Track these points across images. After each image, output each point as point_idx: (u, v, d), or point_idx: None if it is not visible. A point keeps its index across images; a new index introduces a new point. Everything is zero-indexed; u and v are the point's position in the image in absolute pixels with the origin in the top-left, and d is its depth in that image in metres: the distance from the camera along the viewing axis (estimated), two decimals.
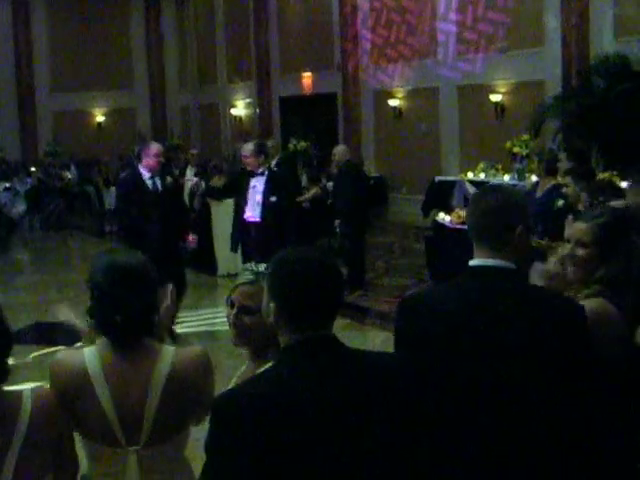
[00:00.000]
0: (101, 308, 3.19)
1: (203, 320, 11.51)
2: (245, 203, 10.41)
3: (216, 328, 10.68)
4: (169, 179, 10.29)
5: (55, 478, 3.06)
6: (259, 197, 10.32)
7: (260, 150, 10.41)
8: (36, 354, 9.79)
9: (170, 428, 3.23)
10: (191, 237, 10.55)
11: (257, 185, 10.34)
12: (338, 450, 2.53)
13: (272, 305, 2.67)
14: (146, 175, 9.94)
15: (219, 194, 13.41)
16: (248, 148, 10.41)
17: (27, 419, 2.90)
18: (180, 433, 3.29)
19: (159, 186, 9.99)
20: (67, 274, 16.10)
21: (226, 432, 2.50)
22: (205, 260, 14.43)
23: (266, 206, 10.27)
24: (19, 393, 2.98)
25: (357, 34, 21.10)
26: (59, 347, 10.31)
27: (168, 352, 3.26)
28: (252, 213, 10.41)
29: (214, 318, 11.27)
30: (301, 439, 2.49)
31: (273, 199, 10.25)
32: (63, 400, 3.13)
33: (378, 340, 10.07)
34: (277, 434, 2.46)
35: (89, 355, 3.20)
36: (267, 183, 10.33)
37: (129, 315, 3.16)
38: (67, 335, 3.77)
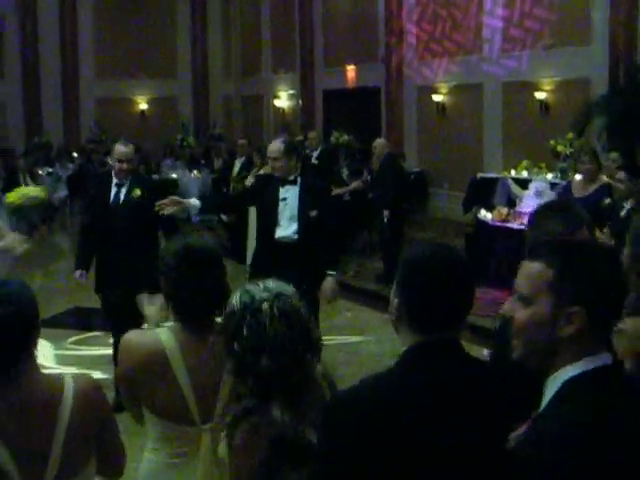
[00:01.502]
0: (181, 291, 3.30)
1: None
2: (274, 220, 7.53)
3: None
4: (137, 192, 7.70)
5: (99, 466, 3.09)
6: (294, 211, 7.55)
7: (291, 150, 7.60)
8: (74, 339, 9.85)
9: None
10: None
11: (289, 196, 7.54)
12: (450, 458, 2.40)
13: (396, 301, 2.54)
14: (114, 182, 7.91)
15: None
16: (276, 148, 7.49)
17: (69, 406, 2.92)
18: None
19: (121, 198, 7.82)
20: None
21: (340, 436, 2.41)
22: (236, 248, 14.40)
23: (304, 223, 7.50)
24: (60, 378, 3.01)
25: (402, 28, 21.00)
26: (95, 332, 10.42)
27: None
28: (285, 232, 7.54)
29: None
30: (414, 446, 2.38)
31: (313, 214, 7.54)
32: (138, 380, 3.24)
33: None
34: (390, 440, 2.36)
35: (165, 335, 3.30)
36: (302, 193, 7.58)
37: (209, 296, 3.26)
38: None
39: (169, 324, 3.42)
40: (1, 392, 2.88)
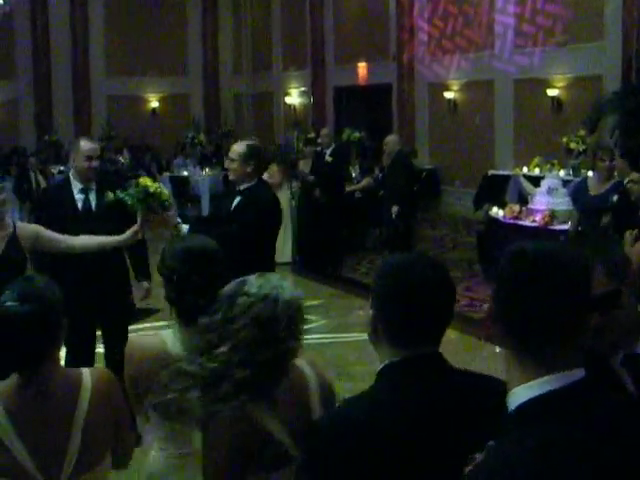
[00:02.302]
0: (182, 294, 3.28)
1: None
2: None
3: None
4: (110, 195, 6.46)
5: (113, 454, 3.13)
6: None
7: (252, 155, 6.62)
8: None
9: None
10: (141, 289, 7.12)
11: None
12: (438, 474, 2.31)
13: (372, 313, 2.45)
14: (77, 187, 6.77)
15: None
16: (237, 149, 6.70)
17: (88, 398, 2.95)
18: None
19: (93, 204, 6.75)
20: None
21: (325, 455, 2.32)
22: None
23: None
24: (78, 373, 3.04)
25: (414, 25, 20.97)
26: None
27: None
28: None
29: None
30: (401, 463, 2.30)
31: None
32: (144, 381, 3.24)
33: None
34: (376, 458, 2.28)
35: (170, 339, 3.30)
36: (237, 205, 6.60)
37: (210, 298, 3.13)
38: None
39: (174, 326, 3.38)
40: (21, 387, 2.91)
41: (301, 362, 2.95)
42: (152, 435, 3.40)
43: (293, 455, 2.77)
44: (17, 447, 2.86)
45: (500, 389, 2.20)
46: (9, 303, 2.85)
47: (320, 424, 2.51)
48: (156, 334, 3.39)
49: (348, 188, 14.73)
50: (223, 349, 2.79)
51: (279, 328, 2.80)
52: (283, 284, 2.93)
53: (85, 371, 3.05)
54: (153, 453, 3.39)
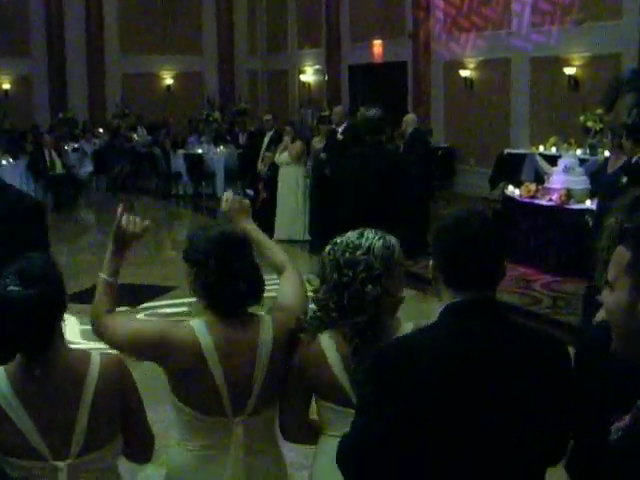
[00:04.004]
0: (221, 279, 3.21)
1: None
2: None
3: (273, 294, 10.56)
4: None
5: (127, 448, 3.11)
6: None
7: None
8: None
9: (272, 396, 3.32)
10: None
11: None
12: (486, 409, 2.56)
13: (432, 262, 2.72)
14: None
15: None
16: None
17: (95, 381, 2.93)
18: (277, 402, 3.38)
19: None
20: None
21: (389, 380, 2.55)
22: (264, 223, 14.38)
23: None
24: (87, 354, 3.02)
25: (429, 2, 20.82)
26: (121, 307, 10.39)
27: (267, 320, 3.31)
28: None
29: (272, 284, 11.15)
30: (455, 395, 2.53)
31: None
32: (172, 371, 3.21)
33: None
34: (436, 387, 2.52)
35: (199, 328, 3.23)
36: None
37: (247, 283, 3.23)
38: None
39: (204, 315, 3.32)
40: (29, 367, 2.89)
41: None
42: (177, 429, 3.36)
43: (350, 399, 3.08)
44: (26, 426, 2.86)
45: (556, 346, 2.74)
46: (11, 287, 2.79)
47: (385, 350, 2.68)
48: (185, 325, 3.29)
49: None
50: (320, 294, 3.18)
51: (356, 271, 3.06)
52: (369, 235, 3.15)
53: (94, 353, 3.02)
54: (176, 446, 3.35)
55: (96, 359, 2.98)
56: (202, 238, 3.29)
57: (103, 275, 3.48)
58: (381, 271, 3.09)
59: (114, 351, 3.29)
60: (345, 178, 8.92)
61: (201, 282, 3.25)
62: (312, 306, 3.30)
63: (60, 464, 2.90)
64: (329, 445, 3.25)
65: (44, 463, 2.90)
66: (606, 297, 2.19)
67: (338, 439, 3.15)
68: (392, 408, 2.54)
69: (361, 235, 3.18)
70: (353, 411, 3.00)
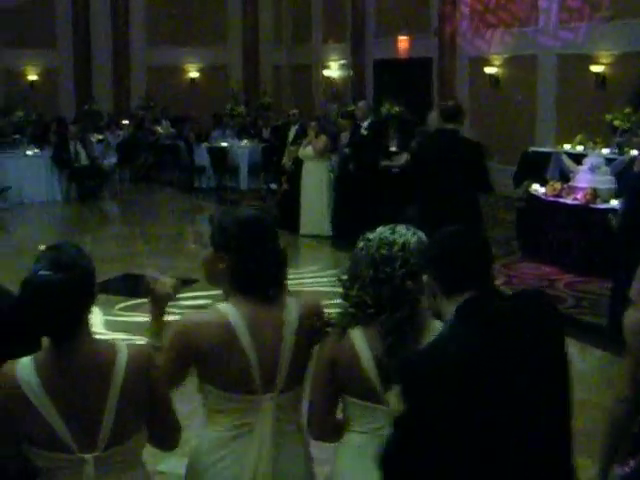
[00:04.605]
0: (246, 261, 3.24)
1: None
2: None
3: (300, 288, 10.54)
4: None
5: (153, 436, 3.11)
6: None
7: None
8: (123, 305, 9.87)
9: (300, 375, 3.36)
10: None
11: None
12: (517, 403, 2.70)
13: (426, 278, 2.90)
14: None
15: None
16: None
17: (122, 372, 2.92)
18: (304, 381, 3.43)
19: None
20: (154, 226, 16.30)
21: (426, 390, 2.66)
22: (289, 218, 14.40)
23: None
24: (114, 345, 3.02)
25: None
26: (144, 299, 10.43)
27: (292, 301, 3.34)
28: None
29: (297, 278, 11.14)
30: (488, 395, 2.66)
31: None
32: (204, 352, 3.21)
33: None
34: (473, 386, 2.64)
35: (228, 310, 3.25)
36: None
37: (273, 266, 3.27)
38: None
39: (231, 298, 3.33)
40: (56, 356, 2.90)
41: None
42: (203, 415, 3.37)
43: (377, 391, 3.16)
44: (52, 417, 2.86)
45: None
46: (42, 272, 2.82)
47: (412, 362, 2.78)
48: (213, 308, 3.31)
49: (386, 163, 14.63)
50: (354, 291, 3.20)
51: (394, 267, 3.12)
52: (402, 231, 3.22)
53: (121, 344, 3.03)
54: (206, 426, 3.35)
55: (123, 349, 2.97)
56: (231, 222, 3.31)
57: (149, 339, 3.44)
58: (418, 267, 3.09)
59: (141, 341, 3.29)
60: (426, 165, 9.40)
61: (231, 266, 3.27)
62: (341, 302, 3.31)
63: (87, 456, 2.90)
64: (352, 440, 3.32)
65: (70, 455, 2.90)
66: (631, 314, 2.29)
67: (362, 434, 3.22)
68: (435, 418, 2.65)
69: (394, 231, 3.22)
70: (380, 406, 3.14)
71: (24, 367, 2.88)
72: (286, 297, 3.35)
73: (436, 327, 3.16)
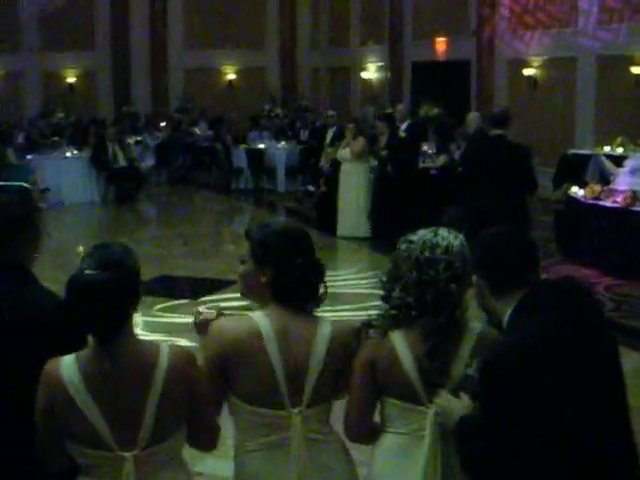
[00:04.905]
0: (287, 273, 3.24)
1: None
2: None
3: (337, 291, 10.49)
4: None
5: (191, 436, 3.12)
6: None
7: None
8: (161, 306, 9.90)
9: (328, 390, 3.32)
10: None
11: None
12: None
13: (476, 280, 3.09)
14: None
15: None
16: None
17: (163, 373, 2.94)
18: (333, 399, 3.40)
19: None
20: (191, 228, 16.33)
21: (508, 385, 2.81)
22: (327, 220, 14.41)
23: None
24: (156, 346, 3.04)
25: None
26: (182, 300, 10.49)
27: (327, 320, 3.34)
28: None
29: (334, 281, 11.09)
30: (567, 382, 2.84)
31: None
32: (232, 362, 3.21)
33: None
34: (551, 375, 2.83)
35: (261, 319, 3.26)
36: None
37: (312, 277, 3.29)
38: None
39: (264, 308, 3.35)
40: (99, 355, 2.93)
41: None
42: (235, 432, 3.36)
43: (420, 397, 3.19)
44: (93, 415, 2.88)
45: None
46: (88, 271, 2.85)
47: (492, 361, 2.90)
48: (247, 316, 3.32)
49: (424, 165, 14.61)
50: (395, 293, 3.21)
51: (438, 270, 3.14)
52: (444, 234, 3.22)
53: (164, 345, 3.04)
54: (236, 444, 3.35)
55: (165, 350, 2.99)
56: (270, 235, 3.32)
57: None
58: (461, 270, 3.12)
59: (180, 341, 3.30)
60: (475, 169, 9.83)
61: (272, 278, 3.27)
62: (382, 304, 3.32)
63: (126, 454, 2.92)
64: (389, 441, 3.32)
65: (110, 453, 2.93)
66: None
67: (399, 435, 3.25)
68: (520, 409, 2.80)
69: (436, 234, 3.21)
70: (419, 407, 3.17)
71: (67, 365, 2.91)
72: (320, 315, 3.38)
73: (475, 329, 3.20)
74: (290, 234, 3.32)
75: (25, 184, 15.48)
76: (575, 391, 2.85)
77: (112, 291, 2.83)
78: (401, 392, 3.22)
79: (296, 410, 3.24)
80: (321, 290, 3.35)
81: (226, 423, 3.36)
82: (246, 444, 3.29)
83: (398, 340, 3.21)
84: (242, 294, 3.52)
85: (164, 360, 2.95)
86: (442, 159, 15.12)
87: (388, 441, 3.31)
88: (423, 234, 3.24)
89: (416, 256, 3.18)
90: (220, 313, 3.43)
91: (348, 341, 3.31)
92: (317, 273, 3.32)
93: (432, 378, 3.14)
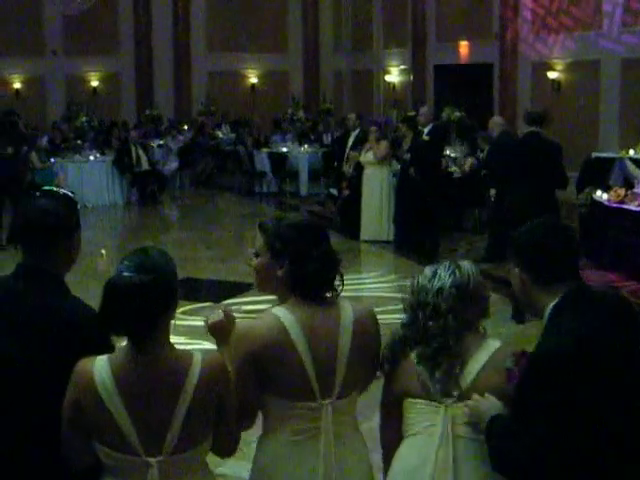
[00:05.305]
0: (306, 264, 3.25)
1: (346, 285, 11.35)
2: None
3: (361, 294, 10.50)
4: None
5: (214, 442, 3.11)
6: None
7: None
8: (185, 309, 9.91)
9: (357, 380, 3.39)
10: None
11: None
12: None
13: (517, 270, 3.10)
14: None
15: None
16: None
17: (195, 381, 2.94)
18: (363, 386, 3.50)
19: None
20: (214, 231, 16.37)
21: (558, 384, 2.81)
22: (350, 223, 14.40)
23: None
24: (190, 353, 3.02)
25: (518, 2, 20.56)
26: (204, 303, 10.49)
27: (347, 305, 3.37)
28: None
29: (358, 284, 11.11)
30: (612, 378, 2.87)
31: None
32: (262, 360, 3.21)
33: None
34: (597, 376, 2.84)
35: (284, 315, 3.26)
36: None
37: (330, 268, 3.32)
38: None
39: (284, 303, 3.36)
40: (132, 359, 2.93)
41: None
42: (265, 422, 3.36)
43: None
44: (122, 419, 2.89)
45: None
46: (125, 273, 2.86)
47: (547, 354, 2.92)
48: (268, 312, 3.33)
49: (451, 169, 14.60)
50: (405, 319, 3.42)
51: (426, 313, 3.33)
52: (442, 274, 3.37)
53: (197, 353, 3.04)
54: (267, 435, 3.35)
55: (198, 359, 2.98)
56: (287, 228, 3.35)
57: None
58: (449, 306, 3.31)
59: (201, 345, 3.30)
60: (507, 164, 10.63)
61: (289, 270, 3.28)
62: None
63: (152, 460, 2.93)
64: (408, 444, 3.40)
65: (136, 457, 2.93)
66: None
67: (417, 436, 3.35)
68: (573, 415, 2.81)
69: (434, 275, 3.39)
70: (434, 404, 3.32)
71: (100, 366, 2.92)
72: (340, 301, 3.39)
73: (494, 345, 3.36)
74: (306, 226, 3.37)
75: (68, 192, 15.56)
76: (620, 395, 2.87)
77: (148, 294, 2.83)
78: (420, 394, 3.37)
79: (327, 401, 3.27)
80: (337, 282, 3.37)
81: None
82: (277, 434, 3.30)
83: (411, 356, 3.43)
84: (257, 288, 3.52)
85: (196, 370, 2.95)
86: (469, 162, 15.11)
87: (406, 444, 3.44)
88: (426, 275, 3.43)
89: (414, 298, 3.42)
90: (226, 312, 3.38)
91: (369, 325, 3.40)
92: (333, 264, 3.33)
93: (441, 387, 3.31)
